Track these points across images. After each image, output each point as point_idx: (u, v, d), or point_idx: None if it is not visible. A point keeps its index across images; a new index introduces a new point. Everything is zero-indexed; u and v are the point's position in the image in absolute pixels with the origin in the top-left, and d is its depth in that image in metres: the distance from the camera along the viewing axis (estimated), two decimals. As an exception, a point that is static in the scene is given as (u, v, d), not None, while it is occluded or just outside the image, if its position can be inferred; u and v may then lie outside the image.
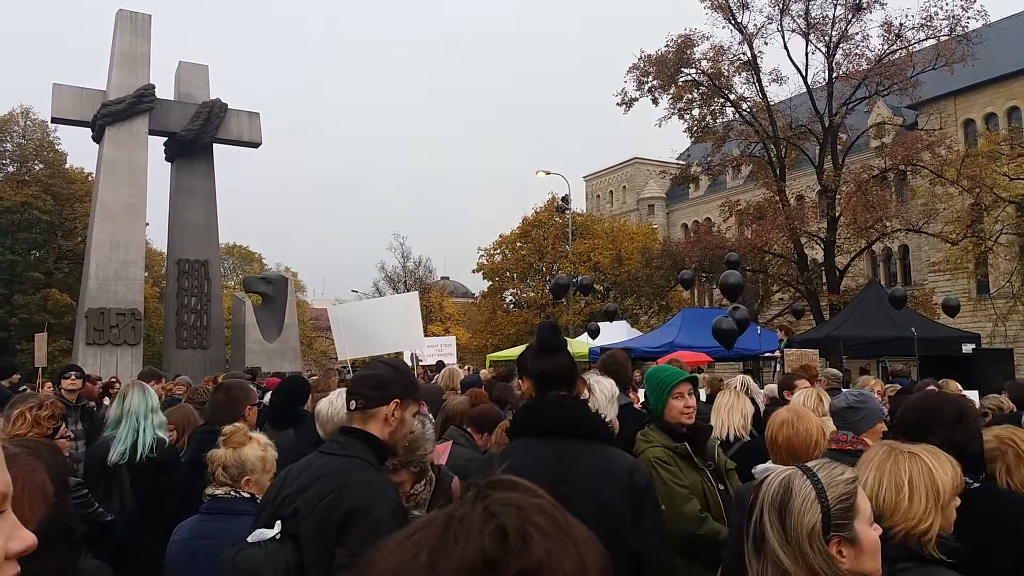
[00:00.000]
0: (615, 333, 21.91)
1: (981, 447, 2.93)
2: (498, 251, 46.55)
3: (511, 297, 47.45)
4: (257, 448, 3.22)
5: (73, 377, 7.67)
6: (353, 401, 2.62)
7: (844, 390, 5.53)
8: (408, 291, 39.43)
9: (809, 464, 1.85)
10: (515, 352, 24.93)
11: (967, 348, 15.99)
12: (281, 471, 2.79)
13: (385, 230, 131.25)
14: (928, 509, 2.10)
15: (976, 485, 2.69)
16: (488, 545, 0.72)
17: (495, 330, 42.95)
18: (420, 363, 13.25)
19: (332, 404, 3.56)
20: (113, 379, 13.31)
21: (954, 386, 6.90)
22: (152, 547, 3.73)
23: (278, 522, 2.34)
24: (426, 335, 17.74)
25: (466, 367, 18.04)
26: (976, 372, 12.90)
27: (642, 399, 5.61)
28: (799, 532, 1.68)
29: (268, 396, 6.45)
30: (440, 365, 14.72)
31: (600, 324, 22.22)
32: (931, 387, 5.75)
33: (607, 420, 3.62)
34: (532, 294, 44.74)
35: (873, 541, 1.74)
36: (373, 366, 2.82)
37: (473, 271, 47.49)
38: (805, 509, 1.69)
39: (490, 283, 46.82)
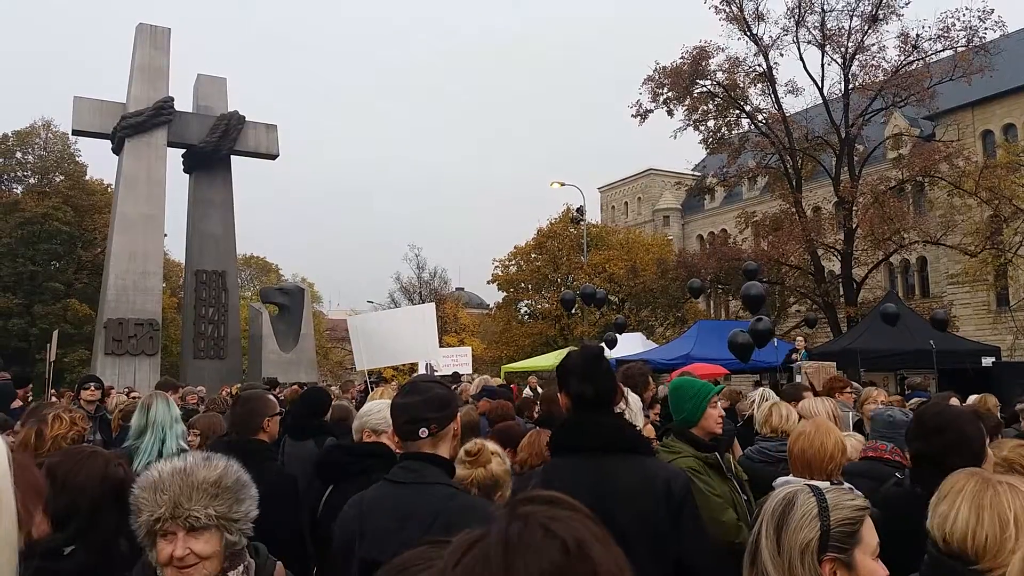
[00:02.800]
0: (630, 345, 21.82)
1: (969, 462, 2.57)
2: (513, 262, 46.52)
3: (526, 308, 47.40)
4: (501, 463, 3.30)
5: (92, 388, 7.73)
6: (424, 428, 2.45)
7: (885, 406, 5.46)
8: (423, 302, 39.60)
9: (820, 485, 1.80)
10: (530, 364, 24.86)
11: (987, 361, 15.85)
12: (347, 505, 2.56)
13: (400, 241, 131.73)
14: None
15: None
16: (555, 557, 0.74)
17: (510, 341, 42.89)
18: (435, 373, 13.25)
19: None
20: (129, 389, 13.39)
21: (992, 401, 6.56)
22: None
23: None
24: (441, 346, 17.78)
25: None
26: (996, 386, 12.75)
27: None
28: (792, 546, 1.62)
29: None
30: (456, 376, 14.72)
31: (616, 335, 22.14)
32: (953, 400, 5.65)
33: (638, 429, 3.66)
34: (547, 305, 44.66)
35: (874, 574, 1.64)
36: (420, 388, 2.58)
37: (488, 282, 47.55)
38: (803, 524, 1.63)
39: (505, 294, 46.81)
